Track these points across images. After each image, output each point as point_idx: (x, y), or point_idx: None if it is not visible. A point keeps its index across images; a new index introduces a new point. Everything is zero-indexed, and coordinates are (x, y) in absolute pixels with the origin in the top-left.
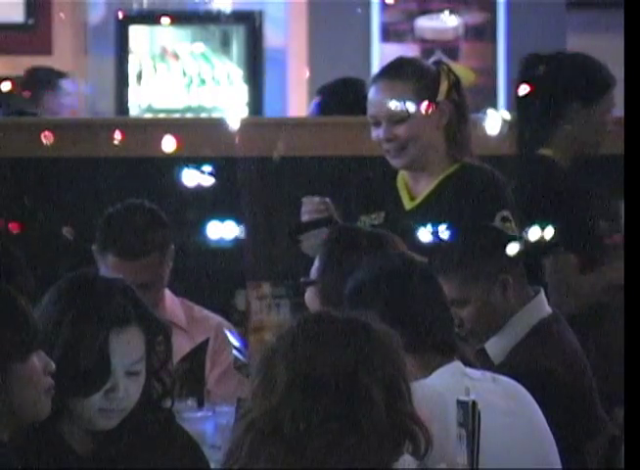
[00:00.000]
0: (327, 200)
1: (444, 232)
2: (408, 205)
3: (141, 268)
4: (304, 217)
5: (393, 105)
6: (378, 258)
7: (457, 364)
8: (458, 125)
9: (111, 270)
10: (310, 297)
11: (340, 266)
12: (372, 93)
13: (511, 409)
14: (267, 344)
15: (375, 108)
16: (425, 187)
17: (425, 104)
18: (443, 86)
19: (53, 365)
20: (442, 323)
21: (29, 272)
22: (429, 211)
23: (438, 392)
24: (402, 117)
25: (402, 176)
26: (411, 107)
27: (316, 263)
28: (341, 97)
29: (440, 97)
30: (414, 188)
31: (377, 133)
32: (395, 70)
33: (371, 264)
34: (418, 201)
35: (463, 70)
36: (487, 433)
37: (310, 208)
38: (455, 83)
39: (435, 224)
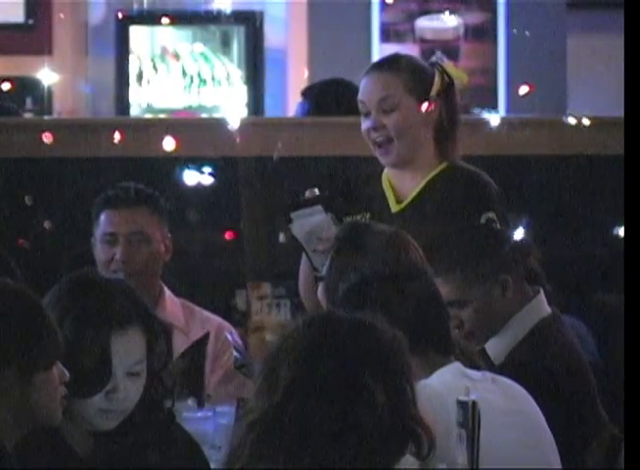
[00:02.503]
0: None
1: (431, 235)
2: (394, 207)
3: (130, 218)
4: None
5: (384, 93)
6: (372, 259)
7: (457, 365)
8: (447, 126)
9: (103, 228)
10: (322, 292)
11: (347, 265)
12: (364, 83)
13: (511, 410)
14: (272, 342)
15: (365, 96)
16: (411, 189)
17: (415, 97)
18: (436, 84)
19: (67, 374)
20: (439, 323)
21: (18, 272)
22: (415, 214)
23: (439, 392)
24: (391, 107)
25: (387, 177)
26: (401, 97)
27: (328, 260)
28: (327, 98)
29: (432, 94)
30: (400, 190)
31: (366, 124)
32: (390, 63)
33: (365, 265)
34: (404, 204)
35: (456, 71)
36: (487, 433)
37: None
38: (448, 84)
39: (422, 227)
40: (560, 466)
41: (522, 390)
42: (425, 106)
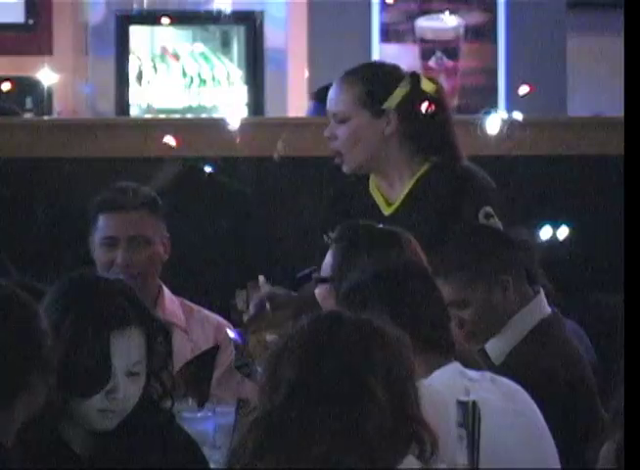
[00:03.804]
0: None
1: (427, 233)
2: (386, 210)
3: (130, 221)
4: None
5: (335, 107)
6: (374, 258)
7: (456, 365)
8: (416, 133)
9: (102, 231)
10: (321, 294)
11: (356, 264)
12: (330, 91)
13: (509, 410)
14: (276, 341)
15: (327, 105)
16: (399, 190)
17: (369, 110)
18: (396, 95)
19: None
20: (440, 323)
21: (14, 271)
22: (407, 215)
23: (439, 392)
24: (343, 119)
25: (374, 181)
26: (351, 111)
27: (329, 260)
28: None
29: (388, 105)
30: (388, 193)
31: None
32: (351, 73)
33: (367, 265)
34: (395, 205)
35: (428, 82)
36: (486, 433)
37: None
38: (416, 95)
39: (417, 227)
40: (559, 466)
41: (520, 390)
42: (377, 117)
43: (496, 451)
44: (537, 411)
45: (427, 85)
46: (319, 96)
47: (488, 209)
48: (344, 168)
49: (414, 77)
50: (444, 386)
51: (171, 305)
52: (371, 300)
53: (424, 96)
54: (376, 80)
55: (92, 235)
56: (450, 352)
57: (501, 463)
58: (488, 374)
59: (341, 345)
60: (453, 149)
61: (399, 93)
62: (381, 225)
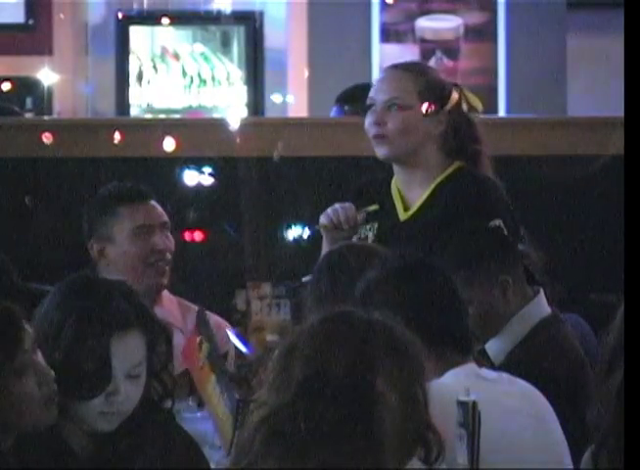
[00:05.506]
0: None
1: (437, 244)
2: (402, 215)
3: (156, 208)
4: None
5: (395, 93)
6: (389, 257)
7: (471, 366)
8: (454, 141)
9: (134, 221)
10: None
11: (337, 290)
12: (379, 80)
13: (526, 411)
14: (288, 338)
15: (376, 93)
16: (418, 196)
17: (427, 103)
18: (453, 99)
19: (52, 374)
20: (457, 319)
21: (15, 273)
22: (421, 223)
23: (450, 393)
24: (402, 106)
25: (396, 184)
26: (410, 100)
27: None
28: (361, 102)
29: (446, 107)
30: (408, 196)
31: (369, 119)
32: (410, 65)
33: (382, 264)
34: (411, 212)
35: (473, 97)
36: (503, 434)
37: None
38: (461, 106)
39: (428, 237)
40: (572, 466)
41: (537, 391)
42: (434, 113)
43: (511, 452)
44: (553, 413)
45: (471, 97)
46: (342, 98)
47: (498, 222)
48: (381, 153)
49: (458, 87)
50: (457, 387)
51: (169, 304)
52: (385, 298)
53: (469, 105)
54: (437, 80)
55: (111, 228)
56: (466, 350)
57: (516, 464)
58: (506, 375)
59: (351, 345)
60: (478, 157)
61: (454, 97)
62: (359, 245)
